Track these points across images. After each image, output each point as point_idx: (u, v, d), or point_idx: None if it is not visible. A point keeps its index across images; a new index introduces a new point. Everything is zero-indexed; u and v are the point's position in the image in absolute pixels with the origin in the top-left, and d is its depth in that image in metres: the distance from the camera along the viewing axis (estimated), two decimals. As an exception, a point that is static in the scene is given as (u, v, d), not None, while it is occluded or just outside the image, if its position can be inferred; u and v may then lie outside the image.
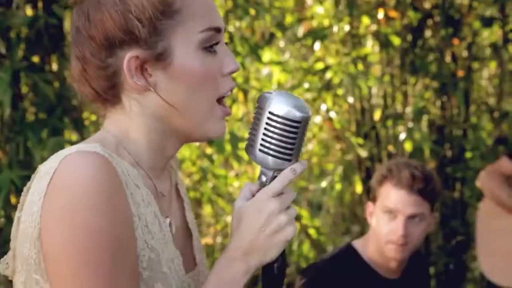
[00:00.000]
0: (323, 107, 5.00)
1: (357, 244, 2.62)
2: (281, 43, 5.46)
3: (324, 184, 5.21)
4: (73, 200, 1.15)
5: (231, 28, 4.15)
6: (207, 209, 5.07)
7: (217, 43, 1.29)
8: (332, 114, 5.02)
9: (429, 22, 4.87)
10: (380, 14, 4.72)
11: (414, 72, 4.80)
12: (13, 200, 3.24)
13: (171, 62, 1.25)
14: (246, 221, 1.25)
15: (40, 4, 3.41)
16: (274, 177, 1.27)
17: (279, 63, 4.89)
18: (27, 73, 3.23)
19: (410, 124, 4.68)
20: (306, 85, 4.67)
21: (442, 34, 4.78)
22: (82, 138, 3.04)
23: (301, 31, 5.03)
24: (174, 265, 1.30)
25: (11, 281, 1.29)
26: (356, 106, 4.95)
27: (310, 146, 5.71)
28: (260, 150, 1.26)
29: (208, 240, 5.08)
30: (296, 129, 1.25)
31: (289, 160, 1.27)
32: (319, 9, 4.87)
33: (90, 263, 1.14)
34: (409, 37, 4.85)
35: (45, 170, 1.20)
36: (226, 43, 1.34)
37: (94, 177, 1.15)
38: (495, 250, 3.76)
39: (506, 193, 3.68)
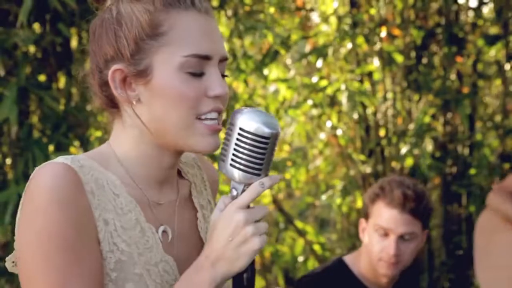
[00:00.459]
0: (329, 124, 5.04)
1: (348, 259, 2.65)
2: (288, 61, 5.51)
3: (324, 197, 5.24)
4: (32, 207, 1.29)
5: (234, 46, 4.21)
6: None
7: (200, 74, 1.36)
8: (339, 131, 5.05)
9: (432, 40, 4.90)
10: (383, 33, 4.76)
11: (417, 89, 4.83)
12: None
13: (151, 79, 1.36)
14: (216, 232, 1.32)
15: (46, 23, 3.49)
16: (243, 191, 1.33)
17: (284, 80, 4.94)
18: (34, 90, 3.32)
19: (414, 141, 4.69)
20: (310, 102, 4.71)
21: (445, 52, 4.81)
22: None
23: (307, 48, 5.08)
24: (158, 268, 1.37)
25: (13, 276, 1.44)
26: (360, 123, 4.98)
27: (317, 162, 5.75)
28: (231, 164, 1.32)
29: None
30: (265, 145, 1.31)
31: (258, 175, 1.32)
32: (324, 27, 4.92)
33: (42, 263, 1.27)
34: (413, 54, 4.88)
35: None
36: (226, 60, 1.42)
37: (51, 187, 1.28)
38: (496, 264, 3.75)
39: None
